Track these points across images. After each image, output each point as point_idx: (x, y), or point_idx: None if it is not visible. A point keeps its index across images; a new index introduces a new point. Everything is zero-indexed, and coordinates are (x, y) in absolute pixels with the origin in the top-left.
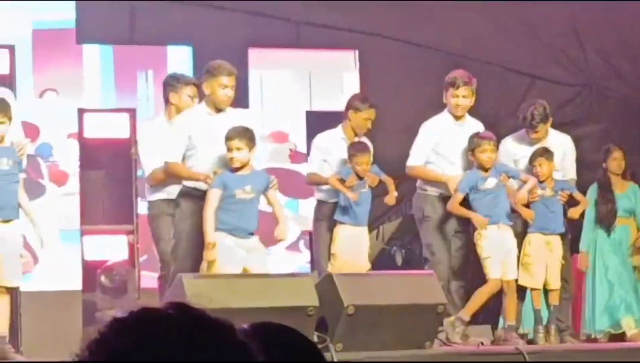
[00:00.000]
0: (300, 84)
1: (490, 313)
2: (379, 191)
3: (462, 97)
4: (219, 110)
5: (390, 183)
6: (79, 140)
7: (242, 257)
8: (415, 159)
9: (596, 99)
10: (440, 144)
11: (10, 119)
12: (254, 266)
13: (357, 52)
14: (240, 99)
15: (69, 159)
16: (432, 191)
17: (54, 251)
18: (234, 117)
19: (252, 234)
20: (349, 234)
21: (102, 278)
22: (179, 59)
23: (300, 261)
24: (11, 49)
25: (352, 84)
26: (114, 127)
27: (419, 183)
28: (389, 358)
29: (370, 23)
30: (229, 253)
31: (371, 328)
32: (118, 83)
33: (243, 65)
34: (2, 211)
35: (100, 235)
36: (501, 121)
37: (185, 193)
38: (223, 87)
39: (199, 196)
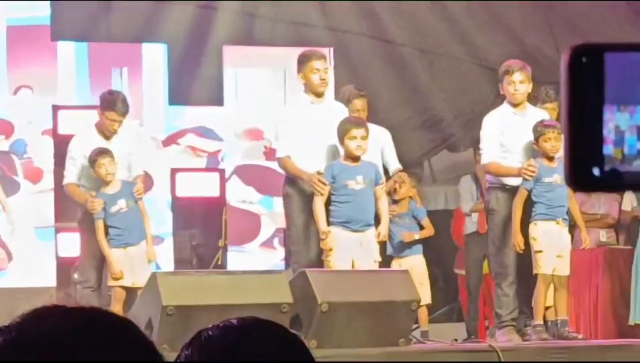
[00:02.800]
0: (275, 81)
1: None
2: None
3: (519, 82)
4: (318, 96)
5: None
6: (54, 137)
7: (355, 250)
8: (488, 156)
9: None
10: (503, 137)
11: None
12: (359, 260)
13: (332, 49)
14: (216, 97)
15: (43, 156)
16: (496, 184)
17: (29, 247)
18: (334, 106)
19: (369, 225)
20: (408, 265)
21: (76, 275)
22: (154, 56)
23: (275, 258)
24: None
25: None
26: (88, 124)
27: (487, 176)
28: (363, 356)
29: (346, 21)
30: (341, 247)
31: (345, 326)
32: (93, 80)
33: (218, 63)
34: None
35: (74, 232)
36: (477, 117)
37: (295, 185)
38: (315, 71)
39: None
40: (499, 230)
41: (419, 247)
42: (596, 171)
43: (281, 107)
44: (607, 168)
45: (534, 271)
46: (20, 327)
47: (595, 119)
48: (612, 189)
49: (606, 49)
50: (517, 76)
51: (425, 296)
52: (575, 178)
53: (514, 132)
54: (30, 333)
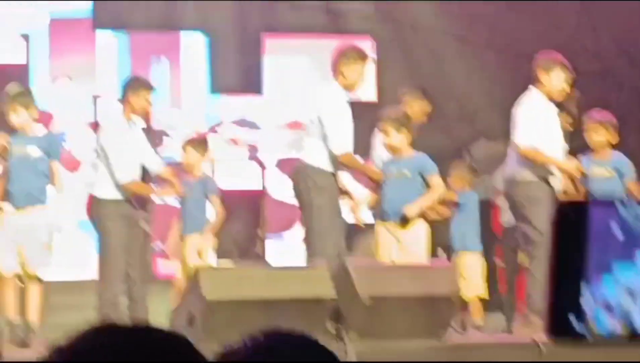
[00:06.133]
0: (317, 72)
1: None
2: None
3: (561, 79)
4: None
5: None
6: (94, 127)
7: (393, 245)
8: (525, 140)
9: (610, 87)
10: (540, 124)
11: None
12: (399, 256)
13: (375, 40)
14: (255, 86)
15: (82, 146)
16: (540, 173)
17: (71, 240)
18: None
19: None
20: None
21: None
22: (193, 45)
23: None
24: (26, 38)
25: (369, 73)
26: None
27: (516, 167)
28: (404, 349)
29: (384, 10)
30: (382, 241)
31: (386, 319)
32: (134, 70)
33: (258, 52)
34: (28, 198)
35: None
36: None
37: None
38: (352, 70)
39: None
40: (541, 219)
41: (477, 242)
42: (574, 322)
43: (323, 103)
44: (584, 320)
45: None
46: (75, 348)
47: (576, 273)
48: (586, 341)
49: (592, 206)
50: (559, 73)
51: (479, 289)
52: (555, 326)
53: (551, 122)
54: (83, 354)
